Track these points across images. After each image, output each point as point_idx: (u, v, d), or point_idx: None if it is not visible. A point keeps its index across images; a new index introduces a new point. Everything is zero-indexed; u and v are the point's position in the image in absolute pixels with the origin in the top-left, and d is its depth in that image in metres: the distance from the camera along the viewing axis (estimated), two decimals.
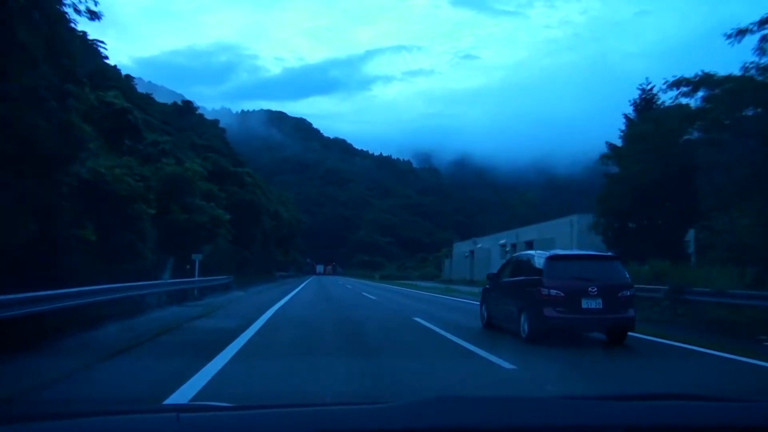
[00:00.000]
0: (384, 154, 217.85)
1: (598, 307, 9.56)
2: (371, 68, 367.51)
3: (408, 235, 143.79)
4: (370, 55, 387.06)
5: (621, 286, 9.96)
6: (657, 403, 1.87)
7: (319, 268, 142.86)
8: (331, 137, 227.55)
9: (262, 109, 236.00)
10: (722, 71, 16.16)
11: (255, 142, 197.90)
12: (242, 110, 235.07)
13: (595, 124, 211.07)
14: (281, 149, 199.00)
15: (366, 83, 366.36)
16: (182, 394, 5.88)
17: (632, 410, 1.82)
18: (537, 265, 10.39)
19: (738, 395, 2.55)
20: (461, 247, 60.42)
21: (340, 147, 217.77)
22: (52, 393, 6.15)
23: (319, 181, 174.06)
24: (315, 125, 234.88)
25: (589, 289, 9.60)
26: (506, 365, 7.95)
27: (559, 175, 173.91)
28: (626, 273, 10.53)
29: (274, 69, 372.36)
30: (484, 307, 12.82)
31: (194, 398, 5.69)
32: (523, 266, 11.11)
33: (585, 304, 9.53)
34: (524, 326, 10.05)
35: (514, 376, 7.48)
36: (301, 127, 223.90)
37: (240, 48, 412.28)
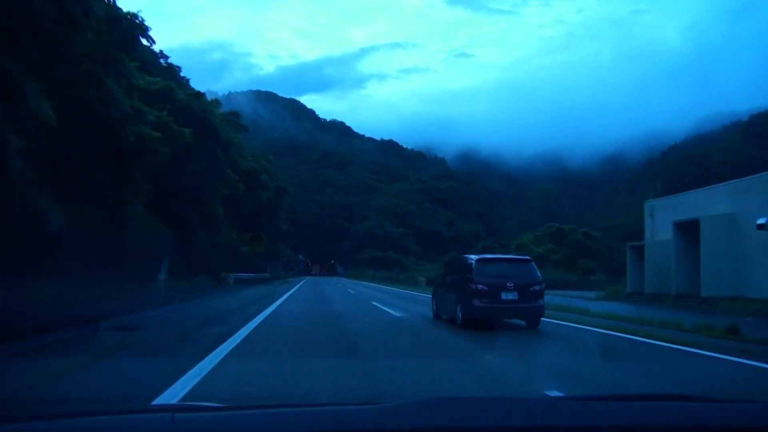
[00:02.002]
0: (386, 139, 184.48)
1: (514, 298, 11.75)
2: (366, 66, 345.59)
3: (426, 227, 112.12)
4: (364, 52, 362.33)
5: (533, 283, 12.05)
6: (654, 404, 1.84)
7: (317, 268, 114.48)
8: (328, 119, 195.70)
9: (250, 90, 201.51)
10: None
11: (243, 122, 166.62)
12: (229, 92, 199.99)
13: (607, 119, 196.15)
14: (270, 130, 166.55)
15: (361, 81, 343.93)
16: None
17: (629, 411, 1.78)
18: (469, 266, 12.56)
19: (736, 397, 2.36)
20: (713, 205, 23.53)
21: (338, 129, 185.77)
22: None
23: (314, 165, 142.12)
24: (309, 106, 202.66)
25: (507, 284, 11.76)
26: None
27: (571, 169, 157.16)
28: (538, 272, 12.57)
29: (268, 67, 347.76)
30: (434, 302, 14.82)
31: None
32: (461, 267, 13.38)
33: (504, 296, 11.72)
34: (459, 314, 12.17)
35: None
36: (294, 107, 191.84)
37: (233, 46, 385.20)
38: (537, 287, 11.98)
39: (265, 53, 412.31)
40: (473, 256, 13.46)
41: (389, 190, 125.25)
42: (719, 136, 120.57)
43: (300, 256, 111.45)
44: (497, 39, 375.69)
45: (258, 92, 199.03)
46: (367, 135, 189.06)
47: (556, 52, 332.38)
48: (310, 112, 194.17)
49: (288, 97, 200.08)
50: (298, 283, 47.84)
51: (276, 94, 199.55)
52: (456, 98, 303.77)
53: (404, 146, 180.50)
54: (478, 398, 1.96)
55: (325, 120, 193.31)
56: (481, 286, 11.65)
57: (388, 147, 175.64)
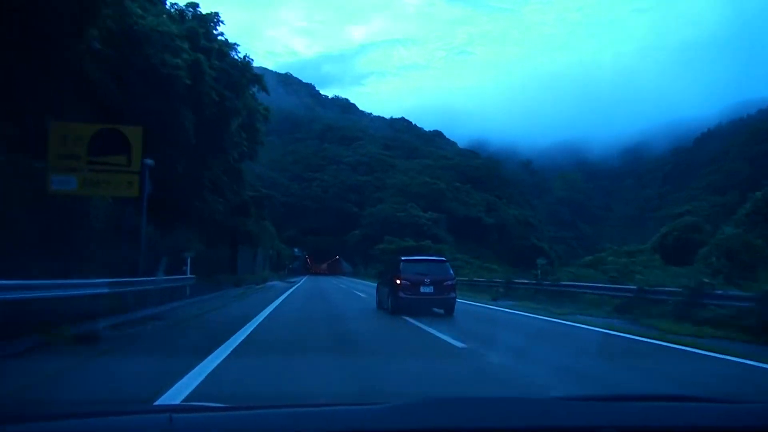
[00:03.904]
0: (395, 117, 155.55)
1: (430, 291, 13.80)
2: (365, 63, 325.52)
3: (460, 211, 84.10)
4: (364, 49, 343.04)
5: (446, 279, 14.12)
6: (652, 404, 1.84)
7: (318, 266, 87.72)
8: (330, 96, 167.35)
9: None
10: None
11: None
12: None
13: (628, 108, 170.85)
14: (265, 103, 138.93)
15: (360, 78, 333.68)
16: None
17: (627, 411, 1.76)
18: (397, 265, 14.64)
19: (735, 397, 2.26)
20: None
21: (341, 106, 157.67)
22: None
23: (314, 142, 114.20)
24: (306, 81, 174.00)
25: (425, 279, 13.82)
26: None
27: (590, 160, 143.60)
28: (451, 270, 14.68)
29: (266, 64, 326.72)
30: (377, 295, 16.87)
31: None
32: (393, 266, 15.29)
33: (423, 289, 13.75)
34: (389, 304, 14.42)
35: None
36: (290, 81, 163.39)
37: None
38: (449, 282, 14.10)
39: (263, 50, 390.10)
40: (402, 257, 15.48)
41: (409, 166, 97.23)
42: (757, 121, 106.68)
43: (295, 250, 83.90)
44: (498, 37, 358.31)
45: None
46: (375, 113, 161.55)
47: (567, 43, 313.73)
48: (309, 87, 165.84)
49: (283, 72, 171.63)
50: (281, 295, 20.53)
51: (268, 69, 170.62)
52: (460, 93, 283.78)
53: (418, 125, 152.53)
54: (480, 399, 1.93)
55: (326, 97, 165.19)
56: (405, 281, 13.81)
57: (400, 125, 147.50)
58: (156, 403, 4.39)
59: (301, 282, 44.85)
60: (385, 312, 14.49)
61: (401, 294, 13.64)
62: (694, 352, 7.74)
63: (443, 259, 15.93)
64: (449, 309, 13.95)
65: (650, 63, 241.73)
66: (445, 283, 13.92)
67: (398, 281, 13.81)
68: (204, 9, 21.41)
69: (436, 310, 14.02)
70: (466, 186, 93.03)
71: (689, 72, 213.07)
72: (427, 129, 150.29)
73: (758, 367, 6.69)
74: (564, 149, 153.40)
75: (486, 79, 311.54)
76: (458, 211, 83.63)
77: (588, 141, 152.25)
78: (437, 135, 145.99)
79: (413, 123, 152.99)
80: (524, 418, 1.61)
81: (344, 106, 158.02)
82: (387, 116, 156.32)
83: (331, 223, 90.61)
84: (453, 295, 14.04)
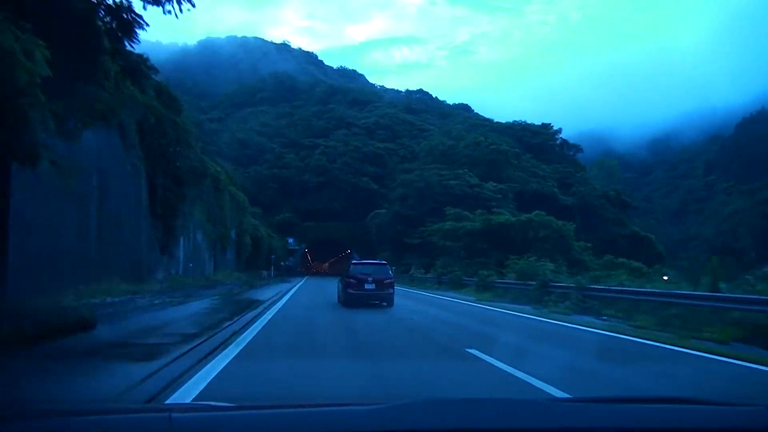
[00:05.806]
0: (412, 89, 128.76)
1: (373, 288, 16.62)
2: (366, 62, 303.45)
3: (529, 186, 57.42)
4: (365, 47, 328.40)
5: (385, 278, 16.96)
6: (655, 407, 1.84)
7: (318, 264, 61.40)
8: (334, 67, 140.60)
9: (235, 36, 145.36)
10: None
11: (218, 70, 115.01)
12: (207, 37, 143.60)
13: (655, 97, 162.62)
14: (256, 71, 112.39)
15: (360, 77, 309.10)
16: None
17: (625, 413, 1.76)
18: (348, 267, 18.04)
19: (733, 399, 2.24)
20: None
21: (349, 77, 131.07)
22: None
23: (316, 107, 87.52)
24: (306, 49, 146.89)
25: (369, 278, 16.66)
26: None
27: (615, 152, 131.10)
28: (390, 271, 17.89)
29: None
30: (337, 292, 18.90)
31: None
32: (347, 268, 18.26)
33: (366, 286, 16.56)
34: (342, 297, 17.33)
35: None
36: (287, 49, 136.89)
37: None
38: (388, 280, 16.85)
39: None
40: (353, 261, 19.51)
41: (450, 126, 70.33)
42: None
43: (290, 240, 57.34)
44: (498, 36, 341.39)
45: (244, 38, 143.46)
46: (387, 86, 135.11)
47: (573, 40, 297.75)
48: (311, 56, 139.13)
49: (278, 42, 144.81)
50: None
51: (263, 40, 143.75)
52: (467, 90, 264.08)
53: (440, 98, 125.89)
54: (480, 400, 1.94)
55: (330, 67, 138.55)
56: (353, 279, 16.58)
57: (418, 98, 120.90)
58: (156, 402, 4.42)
59: (301, 283, 27.43)
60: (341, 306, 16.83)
61: (350, 290, 16.44)
62: None
63: (384, 262, 18.93)
64: (388, 302, 16.67)
65: (679, 51, 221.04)
66: (384, 282, 16.73)
67: (347, 280, 16.71)
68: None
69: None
70: (526, 155, 66.53)
71: (720, 58, 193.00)
72: (450, 102, 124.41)
73: None
74: (588, 140, 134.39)
75: (493, 75, 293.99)
76: (527, 184, 56.99)
77: (613, 132, 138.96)
78: (464, 108, 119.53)
79: (434, 96, 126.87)
80: (523, 419, 1.59)
81: (351, 76, 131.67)
82: (402, 89, 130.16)
83: (339, 204, 64.08)
84: (391, 291, 16.81)
